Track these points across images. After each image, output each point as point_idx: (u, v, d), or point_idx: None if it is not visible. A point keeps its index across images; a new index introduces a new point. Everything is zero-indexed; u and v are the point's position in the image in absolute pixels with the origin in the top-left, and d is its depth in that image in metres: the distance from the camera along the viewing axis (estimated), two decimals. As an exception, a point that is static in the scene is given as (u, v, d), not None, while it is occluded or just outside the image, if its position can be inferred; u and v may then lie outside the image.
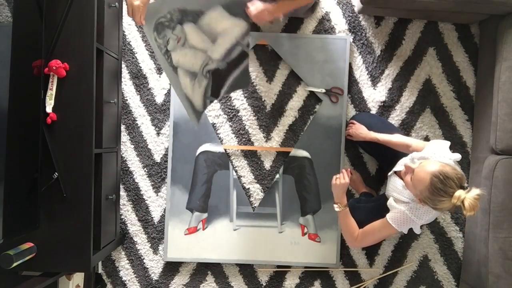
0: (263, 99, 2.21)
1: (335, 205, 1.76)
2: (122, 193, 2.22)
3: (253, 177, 2.21)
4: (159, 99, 2.22)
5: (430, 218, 1.64)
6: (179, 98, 1.77)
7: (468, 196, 1.40)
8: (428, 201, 1.50)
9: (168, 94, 2.21)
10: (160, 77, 2.22)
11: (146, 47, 2.22)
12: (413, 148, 1.75)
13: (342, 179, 1.75)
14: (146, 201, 2.22)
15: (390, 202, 1.73)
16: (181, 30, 1.67)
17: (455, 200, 1.42)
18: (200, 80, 1.77)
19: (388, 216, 1.67)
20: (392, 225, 1.65)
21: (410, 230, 1.69)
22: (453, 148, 2.20)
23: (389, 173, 1.84)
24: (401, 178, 1.72)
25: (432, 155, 1.59)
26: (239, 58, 1.85)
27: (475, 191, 1.41)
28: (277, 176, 2.19)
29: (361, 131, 1.98)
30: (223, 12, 1.73)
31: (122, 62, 2.20)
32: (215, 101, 2.14)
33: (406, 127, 2.21)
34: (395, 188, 1.74)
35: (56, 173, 1.71)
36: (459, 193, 1.42)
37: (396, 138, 1.86)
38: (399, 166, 1.77)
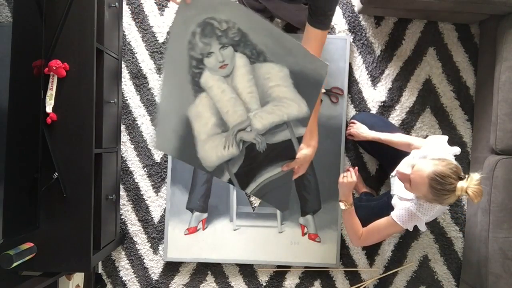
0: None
1: (341, 203, 1.75)
2: (122, 193, 2.22)
3: (253, 177, 2.20)
4: (159, 99, 2.21)
5: (435, 213, 1.65)
6: (160, 106, 1.42)
7: (470, 185, 1.43)
8: (434, 201, 1.53)
9: (168, 94, 2.21)
10: (160, 77, 2.22)
11: (146, 47, 2.22)
12: (415, 146, 1.76)
13: (349, 177, 1.74)
14: (146, 201, 2.22)
15: (395, 200, 1.73)
16: (232, 57, 1.37)
17: (458, 192, 1.45)
18: (228, 140, 1.44)
19: (393, 214, 1.68)
20: (397, 223, 1.65)
21: (414, 228, 1.69)
22: (453, 148, 2.21)
23: (392, 174, 1.84)
24: None
25: (431, 152, 1.60)
26: (283, 150, 1.47)
27: (475, 178, 1.44)
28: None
29: (362, 130, 1.98)
30: (287, 78, 1.39)
31: (122, 62, 2.20)
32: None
33: (406, 127, 2.21)
34: (399, 187, 1.75)
35: (56, 173, 1.71)
36: (461, 184, 1.44)
37: (398, 137, 1.86)
38: (402, 166, 1.77)
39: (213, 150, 1.44)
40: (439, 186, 1.45)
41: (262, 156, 1.47)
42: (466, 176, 1.47)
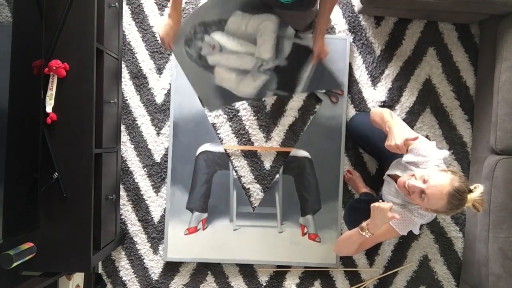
0: (263, 99, 2.21)
1: (365, 231, 1.61)
2: (122, 193, 2.22)
3: (253, 177, 2.21)
4: (159, 99, 2.22)
5: (430, 217, 1.65)
6: (196, 91, 1.95)
7: (475, 197, 1.47)
8: (442, 213, 1.55)
9: (168, 94, 2.21)
10: (160, 77, 2.22)
11: (146, 47, 2.22)
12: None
13: (384, 204, 1.54)
14: (146, 201, 2.22)
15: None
16: (211, 39, 1.80)
17: (468, 204, 1.47)
18: (255, 76, 1.86)
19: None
20: (395, 229, 1.65)
21: (409, 231, 1.70)
22: (453, 148, 2.22)
23: (384, 177, 1.84)
24: (395, 181, 1.72)
25: (422, 158, 1.60)
26: (298, 53, 1.85)
27: (479, 190, 1.48)
28: (277, 176, 2.19)
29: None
30: (243, 14, 1.78)
31: (122, 62, 2.20)
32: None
33: (406, 127, 2.21)
34: (390, 191, 1.74)
35: (56, 173, 1.71)
36: (470, 197, 1.47)
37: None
38: (392, 169, 1.77)
39: (247, 86, 1.86)
40: (456, 202, 1.46)
41: (289, 67, 1.85)
42: (473, 188, 1.50)
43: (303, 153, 2.16)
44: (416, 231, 1.69)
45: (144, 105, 2.22)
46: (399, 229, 1.65)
